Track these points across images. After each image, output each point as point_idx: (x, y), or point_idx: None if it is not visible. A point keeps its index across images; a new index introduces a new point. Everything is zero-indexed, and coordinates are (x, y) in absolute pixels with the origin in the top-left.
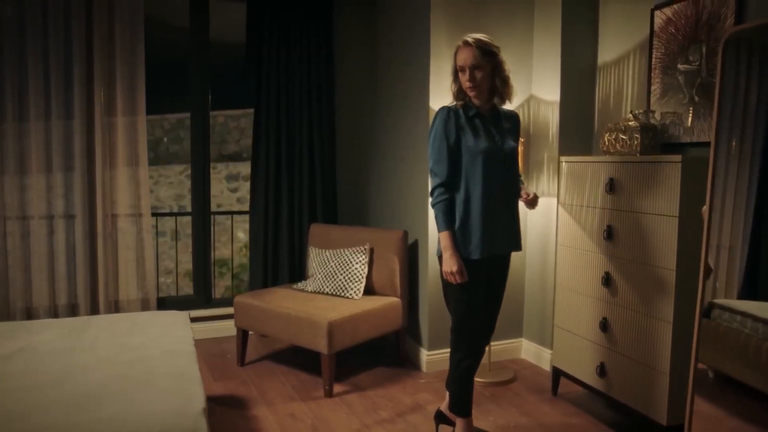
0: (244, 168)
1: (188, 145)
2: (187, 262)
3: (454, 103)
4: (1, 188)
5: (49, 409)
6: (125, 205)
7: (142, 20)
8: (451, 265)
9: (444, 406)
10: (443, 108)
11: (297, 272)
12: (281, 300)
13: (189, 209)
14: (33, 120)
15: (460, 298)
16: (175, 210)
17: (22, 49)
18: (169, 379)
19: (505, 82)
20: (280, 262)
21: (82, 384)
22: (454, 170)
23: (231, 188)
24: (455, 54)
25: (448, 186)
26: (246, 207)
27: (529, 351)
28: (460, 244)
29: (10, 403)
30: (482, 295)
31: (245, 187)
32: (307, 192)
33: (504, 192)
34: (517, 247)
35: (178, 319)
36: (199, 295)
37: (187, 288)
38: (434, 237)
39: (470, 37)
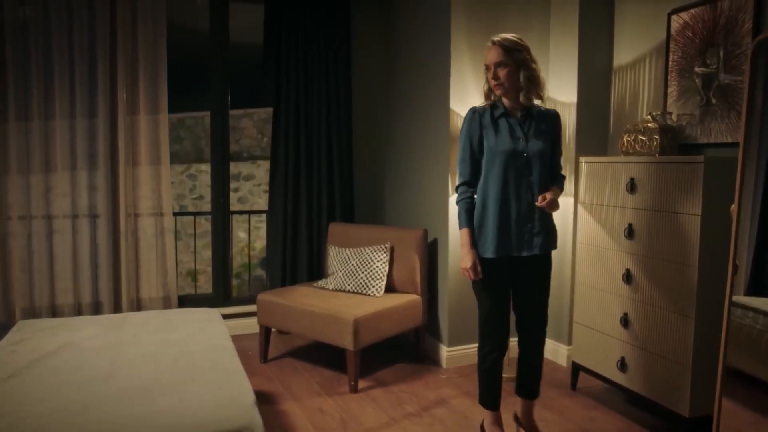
0: (245, 168)
1: (188, 145)
2: (188, 261)
3: (484, 103)
4: (27, 187)
5: (104, 403)
6: (147, 205)
7: (165, 19)
8: (465, 261)
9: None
10: (470, 109)
11: (315, 271)
12: (304, 297)
13: (190, 209)
14: (58, 118)
15: (480, 294)
16: (176, 210)
17: (48, 49)
18: (214, 373)
19: (531, 79)
20: (298, 260)
21: (130, 378)
22: (476, 170)
23: (232, 188)
24: (486, 54)
25: (471, 185)
26: (246, 207)
27: (546, 347)
28: (477, 241)
29: (66, 397)
30: (504, 293)
31: (246, 187)
32: (326, 191)
33: (528, 194)
34: (541, 249)
35: (211, 316)
36: (218, 293)
37: (188, 287)
38: (454, 235)
39: (497, 37)
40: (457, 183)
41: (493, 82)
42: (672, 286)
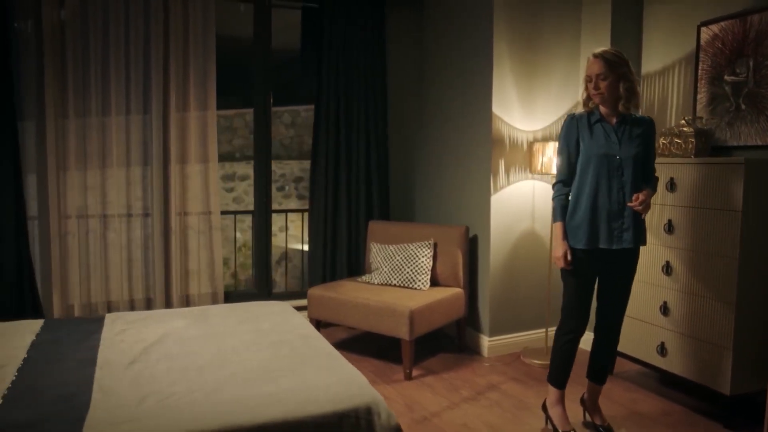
0: (240, 168)
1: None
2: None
3: (582, 110)
4: (84, 186)
5: (232, 384)
6: (196, 203)
7: (214, 22)
8: (557, 251)
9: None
10: (569, 116)
11: (354, 267)
12: (355, 291)
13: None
14: (114, 114)
15: (566, 281)
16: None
17: (106, 48)
18: (320, 358)
19: (630, 91)
20: (337, 257)
21: (242, 363)
22: (572, 170)
23: (227, 188)
24: (587, 65)
25: (566, 184)
26: (242, 207)
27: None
28: (570, 234)
29: (193, 380)
30: (590, 282)
31: (241, 187)
32: (364, 190)
33: (620, 193)
34: (629, 244)
35: (285, 308)
36: (261, 289)
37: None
38: (495, 232)
39: (599, 50)
40: (554, 182)
41: (593, 92)
42: (713, 276)
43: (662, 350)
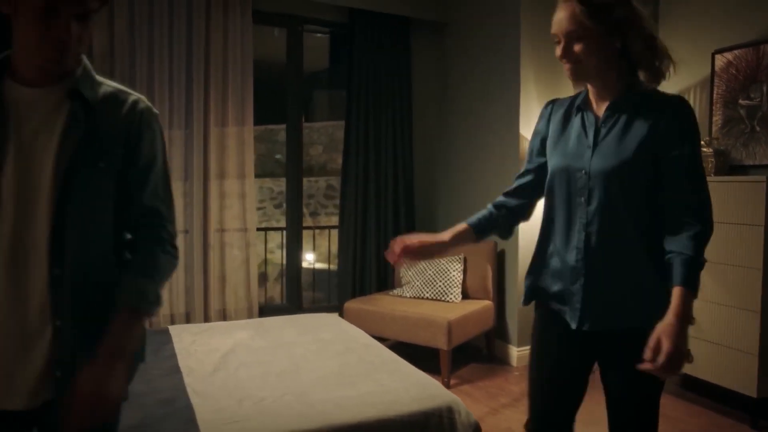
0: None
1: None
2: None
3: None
4: None
5: (315, 388)
6: (233, 219)
7: (252, 43)
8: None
9: None
10: (548, 102)
11: (383, 281)
12: (392, 304)
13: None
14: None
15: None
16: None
17: (150, 64)
18: (389, 365)
19: (648, 48)
20: (366, 272)
21: (315, 369)
22: (527, 184)
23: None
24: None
25: (509, 196)
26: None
27: None
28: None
29: (277, 385)
30: (551, 369)
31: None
32: (392, 206)
33: (579, 239)
34: (606, 325)
35: (337, 319)
36: (292, 303)
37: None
38: (523, 247)
39: None
40: None
41: (561, 61)
42: (736, 286)
43: (688, 356)
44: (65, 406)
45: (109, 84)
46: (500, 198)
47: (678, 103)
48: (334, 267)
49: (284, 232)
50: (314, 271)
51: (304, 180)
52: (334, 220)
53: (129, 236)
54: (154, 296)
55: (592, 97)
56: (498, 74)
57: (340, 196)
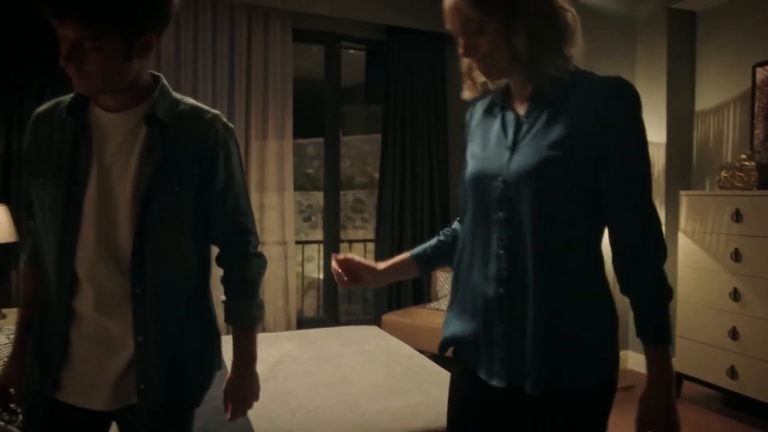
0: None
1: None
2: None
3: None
4: None
5: (365, 399)
6: (273, 233)
7: (291, 59)
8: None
9: None
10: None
11: (419, 295)
12: (430, 317)
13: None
14: None
15: None
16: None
17: (195, 81)
18: (434, 376)
19: (548, 28)
20: (402, 285)
21: (363, 380)
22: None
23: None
24: None
25: (461, 221)
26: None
27: (638, 361)
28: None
29: (327, 396)
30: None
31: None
32: (428, 219)
33: (498, 263)
34: (514, 380)
35: (378, 332)
36: (329, 315)
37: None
38: None
39: None
40: None
41: (471, 61)
42: None
43: (732, 373)
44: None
45: (186, 102)
46: (453, 225)
47: (616, 84)
48: None
49: (321, 246)
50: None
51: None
52: (362, 234)
53: (214, 249)
54: (258, 311)
55: (514, 91)
56: None
57: (376, 209)
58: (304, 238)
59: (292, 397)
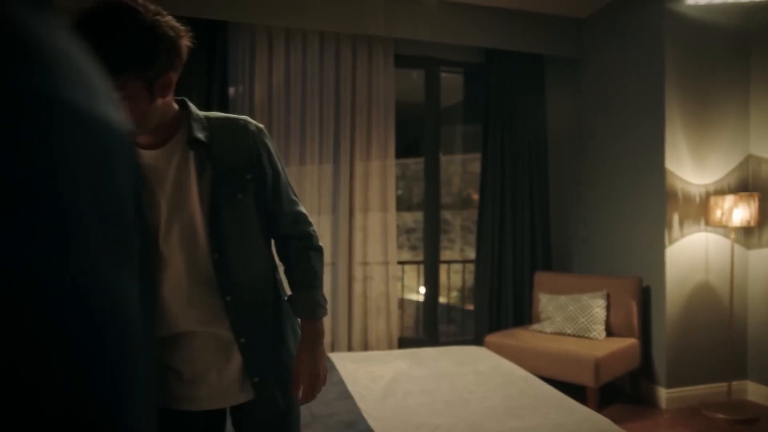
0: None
1: None
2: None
3: None
4: None
5: (486, 418)
6: (376, 253)
7: (394, 83)
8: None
9: None
10: None
11: (519, 316)
12: (534, 340)
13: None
14: (308, 164)
15: None
16: None
17: (303, 104)
18: (552, 398)
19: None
20: (503, 306)
21: (480, 401)
22: None
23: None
24: None
25: None
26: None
27: (759, 393)
28: None
29: (449, 414)
30: None
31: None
32: (528, 240)
33: None
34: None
35: (488, 353)
36: (429, 336)
37: None
38: (671, 283)
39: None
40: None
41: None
42: None
43: None
44: (292, 389)
45: (214, 116)
46: None
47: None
48: (453, 301)
49: (421, 266)
50: (448, 305)
51: (407, 214)
52: (448, 255)
53: (277, 243)
54: (322, 300)
55: None
56: (639, 106)
57: (476, 229)
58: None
59: (413, 415)
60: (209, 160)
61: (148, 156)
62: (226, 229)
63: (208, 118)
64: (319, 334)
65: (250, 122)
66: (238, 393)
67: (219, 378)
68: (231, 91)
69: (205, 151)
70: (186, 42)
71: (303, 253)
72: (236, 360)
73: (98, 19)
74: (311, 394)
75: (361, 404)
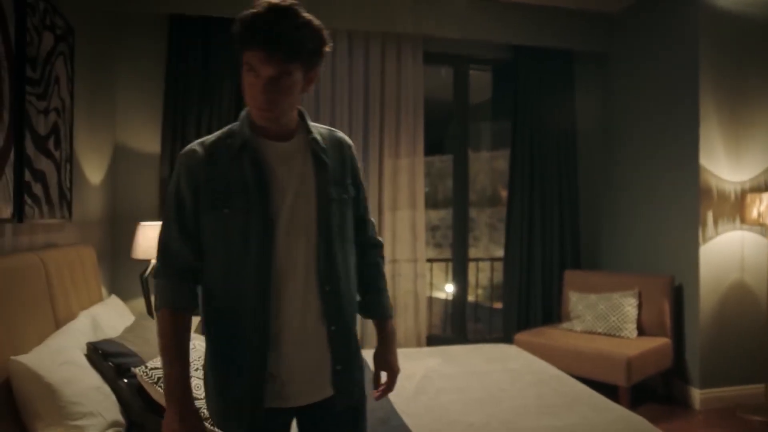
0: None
1: None
2: None
3: None
4: None
5: (519, 417)
6: (404, 250)
7: (422, 81)
8: None
9: None
10: None
11: (548, 314)
12: (564, 338)
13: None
14: None
15: None
16: None
17: (333, 104)
18: (585, 397)
19: None
20: (532, 304)
21: (513, 399)
22: None
23: None
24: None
25: None
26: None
27: None
28: None
29: (480, 412)
30: None
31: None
32: (558, 238)
33: None
34: None
35: (519, 351)
36: (457, 334)
37: None
38: (705, 282)
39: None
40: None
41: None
42: None
43: None
44: (376, 383)
45: (321, 126)
46: None
47: None
48: (480, 299)
49: (447, 264)
50: (476, 303)
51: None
52: (472, 253)
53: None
54: (391, 303)
55: None
56: (671, 102)
57: (505, 226)
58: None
59: (446, 412)
60: (324, 161)
61: (275, 147)
62: (332, 224)
63: (317, 127)
64: (394, 332)
65: (345, 137)
66: (327, 386)
67: (312, 372)
68: None
69: (322, 152)
70: (329, 48)
71: (380, 260)
72: (325, 351)
73: (288, 13)
74: (390, 388)
75: (395, 400)
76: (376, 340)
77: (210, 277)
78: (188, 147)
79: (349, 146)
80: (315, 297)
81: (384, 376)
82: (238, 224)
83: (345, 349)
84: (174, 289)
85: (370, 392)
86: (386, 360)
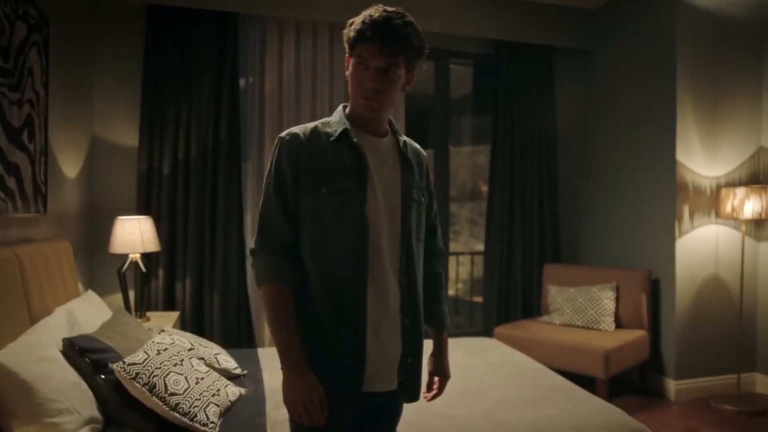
0: None
1: None
2: None
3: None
4: None
5: (501, 410)
6: None
7: None
8: None
9: None
10: None
11: (528, 308)
12: (543, 331)
13: None
14: None
15: None
16: None
17: (314, 96)
18: (565, 390)
19: None
20: (512, 298)
21: (494, 392)
22: None
23: None
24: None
25: None
26: None
27: (766, 384)
28: None
29: (462, 404)
30: None
31: None
32: (537, 232)
33: None
34: None
35: (499, 344)
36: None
37: None
38: (681, 276)
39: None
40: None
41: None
42: None
43: None
44: (429, 384)
45: (402, 135)
46: None
47: None
48: (460, 293)
49: None
50: (456, 297)
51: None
52: (452, 247)
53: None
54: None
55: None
56: (650, 98)
57: (485, 221)
58: None
59: (427, 405)
60: (408, 164)
61: (373, 141)
62: (412, 223)
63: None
64: (447, 341)
65: (420, 147)
66: (395, 377)
67: (389, 360)
68: (241, 82)
69: (408, 153)
70: (427, 49)
71: (442, 272)
72: (399, 342)
73: (398, 14)
74: (441, 392)
75: None
76: (432, 347)
77: (306, 256)
78: (289, 130)
79: (425, 156)
80: (395, 287)
81: (437, 381)
82: (335, 204)
83: (416, 343)
84: (277, 263)
85: (422, 395)
86: (440, 367)
